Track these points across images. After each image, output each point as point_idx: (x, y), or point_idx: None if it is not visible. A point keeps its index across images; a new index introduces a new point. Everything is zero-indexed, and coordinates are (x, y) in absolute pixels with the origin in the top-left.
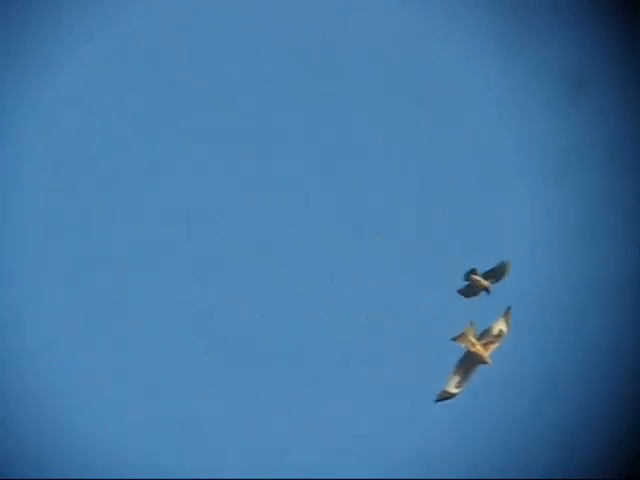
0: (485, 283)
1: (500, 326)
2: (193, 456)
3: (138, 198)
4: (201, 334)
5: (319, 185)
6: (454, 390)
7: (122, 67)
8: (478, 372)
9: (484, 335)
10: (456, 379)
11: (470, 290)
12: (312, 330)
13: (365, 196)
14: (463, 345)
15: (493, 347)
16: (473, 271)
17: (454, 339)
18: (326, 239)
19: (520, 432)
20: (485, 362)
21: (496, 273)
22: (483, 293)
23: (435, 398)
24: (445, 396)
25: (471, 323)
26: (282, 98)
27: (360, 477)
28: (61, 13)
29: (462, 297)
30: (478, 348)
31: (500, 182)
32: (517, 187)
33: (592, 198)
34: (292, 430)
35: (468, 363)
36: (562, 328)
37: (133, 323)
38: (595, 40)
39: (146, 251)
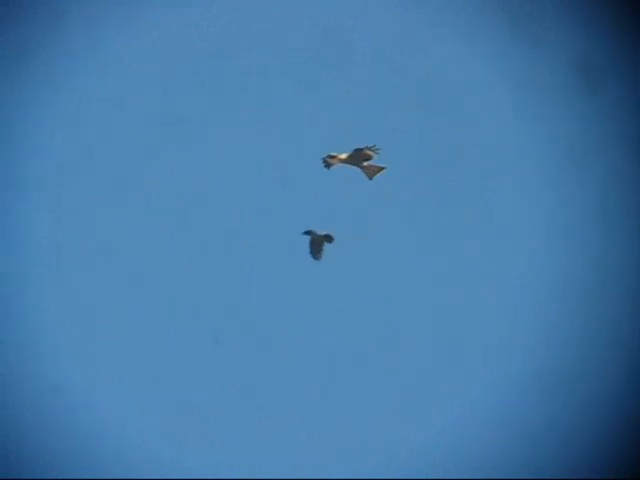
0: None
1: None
2: (195, 454)
3: (140, 192)
4: (204, 329)
5: (319, 183)
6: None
7: (133, 60)
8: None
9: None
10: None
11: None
12: (317, 324)
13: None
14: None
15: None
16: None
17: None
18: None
19: (522, 432)
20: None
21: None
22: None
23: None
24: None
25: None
26: (289, 93)
27: (363, 477)
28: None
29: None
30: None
31: (513, 173)
32: (531, 179)
33: (605, 191)
34: (296, 428)
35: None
36: (571, 321)
37: (136, 319)
38: (608, 33)
39: (146, 245)
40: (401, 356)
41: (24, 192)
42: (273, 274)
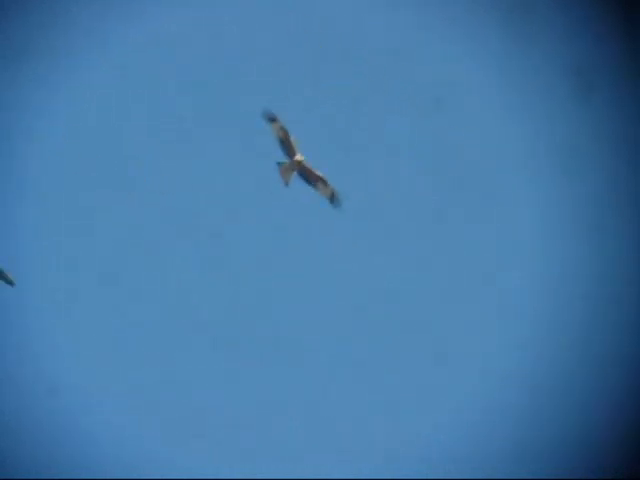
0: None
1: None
2: (194, 455)
3: (140, 195)
4: (203, 329)
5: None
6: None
7: (133, 60)
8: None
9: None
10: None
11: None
12: (316, 324)
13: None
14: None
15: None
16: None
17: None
18: (327, 232)
19: (521, 432)
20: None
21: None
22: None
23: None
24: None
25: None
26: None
27: (364, 477)
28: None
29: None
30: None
31: (508, 179)
32: (527, 181)
33: (600, 195)
34: (295, 429)
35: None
36: (566, 325)
37: (134, 320)
38: (604, 38)
39: (146, 247)
40: (401, 357)
41: (24, 192)
42: (272, 276)
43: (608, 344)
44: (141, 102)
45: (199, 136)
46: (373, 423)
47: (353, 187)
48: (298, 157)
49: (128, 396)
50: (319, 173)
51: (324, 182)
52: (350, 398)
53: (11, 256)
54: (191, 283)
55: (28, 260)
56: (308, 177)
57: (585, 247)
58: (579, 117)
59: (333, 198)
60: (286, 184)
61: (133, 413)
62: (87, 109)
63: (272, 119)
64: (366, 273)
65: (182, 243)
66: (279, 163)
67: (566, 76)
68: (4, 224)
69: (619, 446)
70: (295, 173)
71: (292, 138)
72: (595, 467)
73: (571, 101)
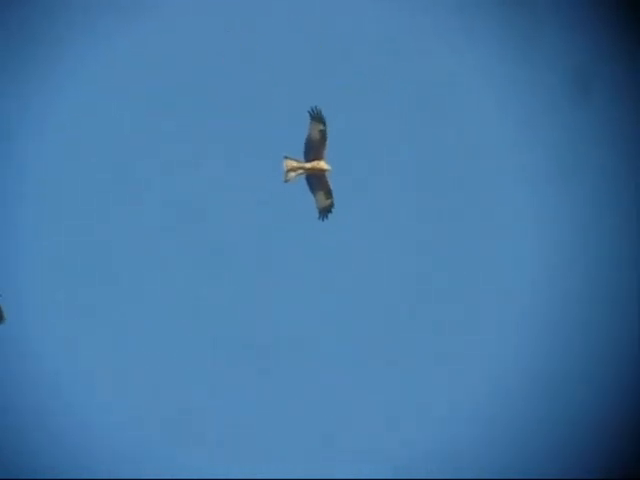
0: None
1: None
2: (192, 455)
3: (140, 196)
4: (201, 331)
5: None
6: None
7: (128, 66)
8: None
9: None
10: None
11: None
12: (316, 324)
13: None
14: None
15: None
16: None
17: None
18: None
19: (520, 432)
20: (323, 169)
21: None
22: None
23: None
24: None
25: (285, 157)
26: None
27: (364, 477)
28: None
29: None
30: (307, 167)
31: (505, 182)
32: (525, 184)
33: (595, 198)
34: (295, 429)
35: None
36: (565, 327)
37: (133, 321)
38: (601, 41)
39: (145, 249)
40: (401, 358)
41: (24, 192)
42: (272, 277)
43: (608, 344)
44: (142, 102)
45: (199, 136)
46: (373, 423)
47: (352, 187)
48: (327, 166)
49: (128, 396)
50: (330, 185)
51: (329, 194)
52: (350, 398)
53: (11, 256)
54: (191, 283)
55: (28, 260)
56: (318, 185)
57: (584, 247)
58: (578, 117)
59: (326, 210)
60: (286, 181)
61: (133, 413)
62: (88, 109)
63: (317, 119)
64: (366, 274)
65: (183, 242)
66: (287, 157)
67: (565, 76)
68: (4, 224)
69: (619, 446)
70: (304, 175)
71: (326, 145)
72: (595, 467)
73: (570, 101)
